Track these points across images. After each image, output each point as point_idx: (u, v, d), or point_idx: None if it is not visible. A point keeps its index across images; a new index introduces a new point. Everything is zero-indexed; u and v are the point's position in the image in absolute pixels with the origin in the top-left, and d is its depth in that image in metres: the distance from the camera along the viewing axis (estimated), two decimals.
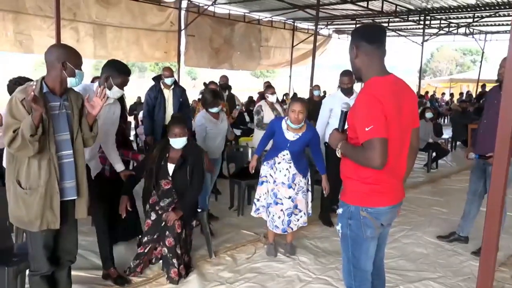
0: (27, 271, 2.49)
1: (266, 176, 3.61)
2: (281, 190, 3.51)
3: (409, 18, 13.59)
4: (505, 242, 3.81)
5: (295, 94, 14.14)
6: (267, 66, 17.23)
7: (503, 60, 3.51)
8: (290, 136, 3.45)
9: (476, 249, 3.80)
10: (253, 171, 3.72)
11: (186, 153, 3.30)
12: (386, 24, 14.80)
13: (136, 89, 13.78)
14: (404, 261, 3.59)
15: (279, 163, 3.53)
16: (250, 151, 5.24)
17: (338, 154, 2.12)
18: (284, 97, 13.37)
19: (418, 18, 13.65)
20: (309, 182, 3.67)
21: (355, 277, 2.19)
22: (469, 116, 8.99)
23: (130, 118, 9.49)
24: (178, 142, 3.25)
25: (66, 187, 2.30)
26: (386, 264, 3.45)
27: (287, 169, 3.51)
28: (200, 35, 13.11)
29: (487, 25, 15.11)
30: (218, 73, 18.07)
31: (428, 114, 7.17)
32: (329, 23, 15.98)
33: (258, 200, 3.69)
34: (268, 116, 5.44)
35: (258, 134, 5.50)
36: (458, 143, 9.54)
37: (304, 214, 3.58)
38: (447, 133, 9.52)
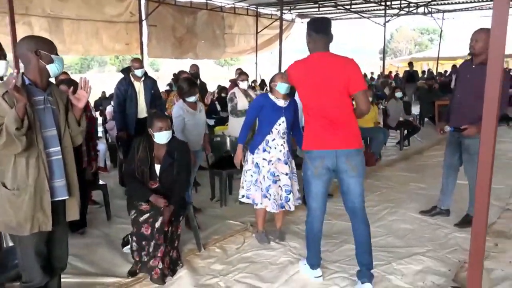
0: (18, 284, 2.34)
1: (259, 163, 3.49)
2: (278, 166, 3.45)
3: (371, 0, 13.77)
4: None
5: (262, 80, 14.09)
6: (232, 54, 17.04)
7: (474, 33, 3.58)
8: (282, 103, 3.44)
9: (458, 221, 3.92)
10: (240, 163, 3.63)
11: (171, 149, 3.18)
12: (348, 6, 14.94)
13: (98, 83, 13.31)
14: (392, 238, 3.65)
15: (273, 140, 3.46)
16: (228, 140, 5.15)
17: None
18: (252, 84, 13.27)
19: None
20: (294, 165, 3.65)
21: (307, 209, 2.97)
22: (435, 93, 9.24)
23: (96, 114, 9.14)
24: (163, 136, 3.11)
25: (56, 186, 2.15)
26: (376, 242, 3.52)
27: (281, 144, 3.46)
28: (162, 25, 12.76)
29: (445, 3, 15.53)
30: (182, 63, 17.80)
31: (398, 94, 7.31)
32: (292, 7, 15.94)
33: (247, 188, 3.58)
34: (241, 103, 5.36)
35: (233, 122, 5.43)
36: (425, 119, 9.80)
37: (294, 196, 3.55)
38: (414, 110, 9.76)
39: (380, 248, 3.38)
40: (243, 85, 5.45)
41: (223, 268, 3.18)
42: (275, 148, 3.47)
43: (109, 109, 7.72)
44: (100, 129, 7.85)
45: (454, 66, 14.10)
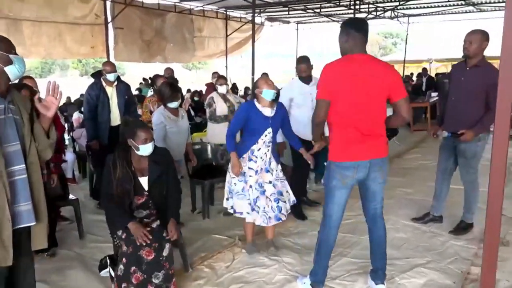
0: None
1: (245, 172, 3.29)
2: (263, 176, 3.30)
3: (340, 3, 13.82)
4: (478, 217, 3.83)
5: (234, 84, 13.84)
6: (202, 58, 16.73)
7: (468, 35, 3.47)
8: (268, 112, 3.23)
9: (453, 227, 3.80)
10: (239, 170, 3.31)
11: (156, 158, 2.86)
12: (318, 10, 14.94)
13: (61, 89, 12.63)
14: (389, 249, 3.40)
15: (258, 149, 3.27)
16: (208, 147, 4.86)
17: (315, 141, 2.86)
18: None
19: (348, 2, 13.91)
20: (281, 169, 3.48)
21: (323, 216, 2.75)
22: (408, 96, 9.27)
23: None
24: (148, 148, 2.76)
25: (20, 211, 1.82)
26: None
27: (265, 153, 3.30)
28: (129, 28, 12.27)
29: (410, 8, 15.83)
30: (149, 67, 17.27)
31: None
32: (261, 10, 15.79)
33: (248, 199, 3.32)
34: (220, 108, 5.10)
35: (213, 128, 5.16)
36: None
37: (286, 202, 3.40)
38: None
39: None
40: (222, 89, 5.19)
41: None
42: (261, 158, 3.31)
43: (75, 115, 7.25)
44: (66, 136, 7.37)
45: (424, 69, 14.31)
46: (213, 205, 4.61)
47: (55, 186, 3.68)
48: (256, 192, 3.28)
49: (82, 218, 3.94)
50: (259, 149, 3.28)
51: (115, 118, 4.69)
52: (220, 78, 5.27)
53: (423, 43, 21.97)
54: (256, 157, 3.28)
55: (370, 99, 2.48)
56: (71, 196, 3.99)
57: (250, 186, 3.28)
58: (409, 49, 19.93)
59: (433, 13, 16.71)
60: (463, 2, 14.28)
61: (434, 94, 10.03)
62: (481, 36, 3.42)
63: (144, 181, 2.84)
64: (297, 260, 3.30)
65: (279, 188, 3.38)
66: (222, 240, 3.74)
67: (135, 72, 15.31)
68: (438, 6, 15.02)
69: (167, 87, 3.78)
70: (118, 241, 2.79)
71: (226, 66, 15.91)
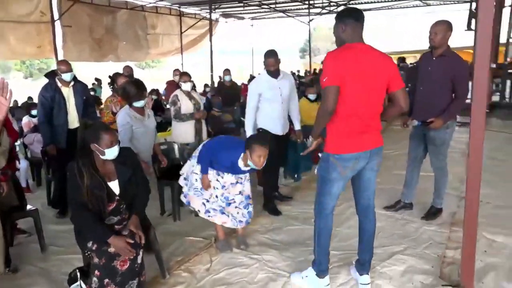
0: None
1: (211, 181, 3.29)
2: (231, 191, 3.31)
3: None
4: (446, 202, 3.95)
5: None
6: (156, 55, 16.34)
7: (433, 26, 3.54)
8: (245, 168, 3.21)
9: (424, 213, 3.89)
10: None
11: (123, 159, 2.68)
12: (273, 5, 14.99)
13: None
14: None
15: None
16: (175, 147, 4.70)
17: (314, 137, 2.63)
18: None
19: None
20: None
21: (317, 206, 2.72)
22: None
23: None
24: (114, 151, 2.56)
25: None
26: (351, 245, 3.36)
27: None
28: (78, 26, 11.76)
29: (362, 3, 16.24)
30: (99, 67, 16.59)
31: None
32: (216, 7, 15.62)
33: (207, 201, 3.28)
34: (185, 106, 4.93)
35: (178, 127, 4.98)
36: None
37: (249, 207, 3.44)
38: None
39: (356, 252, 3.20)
40: (186, 86, 5.00)
41: None
42: (228, 173, 3.31)
43: (25, 120, 6.78)
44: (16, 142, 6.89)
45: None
46: (183, 206, 4.46)
47: (9, 196, 3.40)
48: (222, 203, 3.33)
49: (43, 230, 3.67)
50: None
51: (73, 120, 4.41)
52: (184, 75, 5.08)
53: (374, 38, 22.64)
54: (224, 174, 3.30)
55: (373, 88, 2.45)
56: (29, 207, 3.71)
57: (216, 196, 3.31)
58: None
59: (383, 8, 17.26)
60: None
61: None
62: (446, 27, 3.51)
63: (114, 185, 2.64)
64: (277, 257, 3.24)
65: (248, 192, 3.42)
66: (197, 242, 3.61)
67: (84, 73, 14.63)
68: (388, 1, 15.53)
69: (132, 86, 3.59)
70: (88, 253, 2.60)
71: (182, 64, 15.61)
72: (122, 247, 2.42)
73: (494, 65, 9.48)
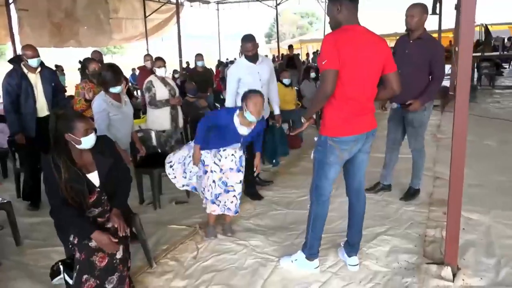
0: None
1: (208, 165, 3.22)
2: (230, 176, 3.24)
3: None
4: (423, 182, 4.08)
5: None
6: (120, 41, 15.79)
7: (409, 9, 3.60)
8: (244, 130, 3.13)
9: (402, 194, 4.01)
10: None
11: (101, 148, 2.57)
12: None
13: None
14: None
15: (224, 150, 3.22)
16: (153, 134, 4.58)
17: (306, 118, 2.67)
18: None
19: None
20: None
21: (315, 191, 2.73)
22: None
23: None
24: (91, 140, 2.43)
25: None
26: (335, 228, 3.43)
27: (232, 154, 3.24)
28: (35, 9, 11.17)
29: None
30: (58, 53, 15.86)
31: (312, 74, 7.36)
32: None
33: (208, 191, 3.27)
34: (160, 92, 4.82)
35: (153, 114, 4.88)
36: None
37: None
38: None
39: (342, 234, 3.25)
40: (161, 71, 4.89)
41: (186, 284, 2.75)
42: (226, 158, 3.25)
43: None
44: None
45: None
46: (162, 194, 4.39)
47: None
48: (219, 189, 3.26)
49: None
50: (225, 150, 3.24)
51: (42, 107, 4.22)
52: (158, 60, 4.96)
53: None
54: (221, 156, 3.24)
55: (370, 71, 2.45)
56: (0, 199, 3.53)
57: (214, 182, 3.24)
58: (327, 28, 20.62)
59: None
60: None
61: None
62: (421, 9, 3.58)
63: (93, 177, 2.53)
64: (264, 242, 3.25)
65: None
66: (181, 230, 3.56)
67: (47, 59, 13.99)
68: None
69: (108, 70, 3.45)
70: (72, 246, 2.51)
71: (147, 49, 15.18)
72: (105, 243, 2.33)
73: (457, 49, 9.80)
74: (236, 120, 3.08)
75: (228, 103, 4.11)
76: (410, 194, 3.95)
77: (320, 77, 2.43)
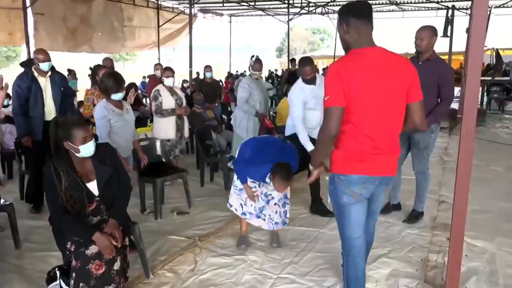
0: None
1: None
2: (267, 187, 3.28)
3: None
4: (426, 205, 4.03)
5: None
6: (132, 48, 15.97)
7: (419, 32, 3.60)
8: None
9: (406, 216, 3.95)
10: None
11: (101, 156, 2.56)
12: (253, 3, 14.93)
13: None
14: None
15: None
16: (157, 143, 4.59)
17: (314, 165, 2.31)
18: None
19: None
20: None
21: (343, 243, 2.39)
22: None
23: None
24: (90, 148, 2.43)
25: None
26: (336, 247, 3.36)
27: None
28: (51, 14, 11.33)
29: (340, 5, 16.43)
30: (71, 58, 16.05)
31: None
32: (195, 1, 15.41)
33: (245, 204, 3.33)
34: (167, 101, 4.87)
35: (159, 123, 4.93)
36: None
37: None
38: None
39: None
40: (169, 81, 4.95)
41: None
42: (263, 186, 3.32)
43: None
44: None
45: None
46: (164, 204, 4.37)
47: None
48: (262, 202, 3.29)
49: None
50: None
51: (50, 112, 4.25)
52: (167, 70, 5.00)
53: None
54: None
55: (388, 103, 2.07)
56: (2, 201, 3.54)
57: (257, 195, 3.29)
58: (339, 45, 20.70)
59: None
60: (387, 1, 15.11)
61: None
62: (431, 32, 3.58)
63: (92, 186, 2.51)
64: (263, 258, 3.21)
65: (287, 190, 3.38)
66: (180, 241, 3.53)
67: (59, 63, 14.16)
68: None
69: (110, 78, 3.48)
70: (69, 253, 2.49)
71: (159, 58, 15.31)
72: (106, 245, 2.33)
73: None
74: (268, 179, 3.13)
75: (300, 129, 3.82)
76: (414, 216, 3.90)
77: (323, 115, 2.09)
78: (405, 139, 3.82)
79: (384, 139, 2.12)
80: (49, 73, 4.21)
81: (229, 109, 8.53)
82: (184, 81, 11.63)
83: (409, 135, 3.76)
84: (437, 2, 14.25)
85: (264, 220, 3.27)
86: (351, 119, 2.06)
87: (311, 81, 3.83)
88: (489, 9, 9.73)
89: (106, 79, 3.58)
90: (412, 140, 3.74)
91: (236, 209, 3.34)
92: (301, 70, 3.87)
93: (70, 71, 12.99)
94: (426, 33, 3.56)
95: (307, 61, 3.88)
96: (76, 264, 2.30)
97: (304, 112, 3.82)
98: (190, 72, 10.29)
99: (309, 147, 3.74)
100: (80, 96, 7.71)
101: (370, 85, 2.01)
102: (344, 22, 2.11)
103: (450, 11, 10.97)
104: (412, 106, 2.15)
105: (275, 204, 3.29)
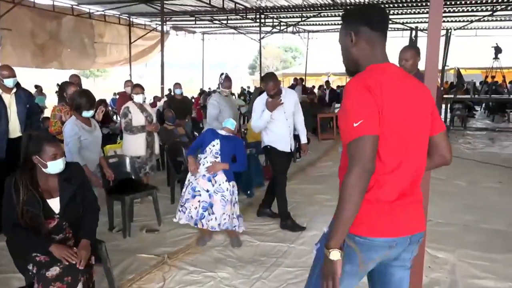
0: None
1: (189, 180, 3.71)
2: (200, 182, 3.60)
3: (247, 16, 14.17)
4: None
5: None
6: (103, 65, 15.83)
7: (402, 52, 3.66)
8: (222, 132, 3.79)
9: None
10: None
11: (68, 175, 2.54)
12: (225, 21, 15.13)
13: None
14: None
15: (205, 157, 3.71)
16: (127, 160, 4.54)
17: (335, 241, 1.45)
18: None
19: (254, 16, 14.33)
20: (234, 194, 3.71)
21: None
22: (316, 107, 9.79)
23: None
24: (59, 165, 2.44)
25: None
26: (305, 262, 3.40)
27: (211, 162, 3.62)
28: (19, 29, 11.18)
29: (310, 24, 16.87)
30: (38, 75, 15.72)
31: None
32: (167, 19, 15.49)
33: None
34: (136, 118, 4.86)
35: (129, 140, 4.89)
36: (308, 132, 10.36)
37: (216, 220, 3.56)
38: None
39: None
40: (138, 98, 4.93)
41: None
42: (203, 165, 3.69)
43: None
44: None
45: (327, 82, 15.25)
46: (133, 222, 4.31)
47: None
48: (187, 195, 3.68)
49: None
50: (205, 157, 3.72)
51: (14, 129, 4.15)
52: (136, 87, 4.99)
53: (321, 58, 23.50)
54: (201, 164, 3.71)
55: (418, 130, 1.58)
56: None
57: (185, 190, 3.74)
58: (309, 62, 21.18)
59: (330, 30, 18.02)
60: None
61: (337, 105, 10.74)
62: (415, 53, 3.65)
63: (54, 203, 2.49)
64: (232, 274, 3.21)
65: (213, 201, 3.59)
66: (149, 259, 3.49)
67: (25, 79, 13.91)
68: (335, 24, 16.26)
69: (82, 96, 3.48)
70: (31, 273, 2.43)
71: (130, 75, 15.24)
72: (62, 253, 2.30)
73: None
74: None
75: (256, 120, 4.19)
76: None
77: (348, 149, 1.47)
78: None
79: (411, 181, 1.58)
80: (14, 90, 4.13)
81: (201, 125, 8.54)
82: (155, 97, 11.60)
83: None
84: (402, 24, 14.87)
85: (184, 213, 3.62)
86: (385, 153, 1.50)
87: (275, 95, 4.02)
88: (450, 30, 10.22)
89: (79, 97, 3.60)
90: None
91: (179, 218, 3.68)
92: (264, 86, 4.10)
93: (37, 87, 12.74)
94: (411, 54, 3.62)
95: (269, 77, 4.08)
96: (38, 287, 2.24)
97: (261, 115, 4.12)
98: (162, 89, 10.27)
99: (266, 115, 4.03)
100: (47, 112, 7.56)
101: (401, 110, 1.51)
102: (351, 31, 1.61)
103: (413, 32, 11.46)
104: (437, 138, 1.68)
105: (198, 201, 3.58)
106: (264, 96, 4.20)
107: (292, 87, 13.62)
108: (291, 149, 4.29)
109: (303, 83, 15.76)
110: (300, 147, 4.73)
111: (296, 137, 4.55)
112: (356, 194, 1.40)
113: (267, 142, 4.23)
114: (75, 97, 3.56)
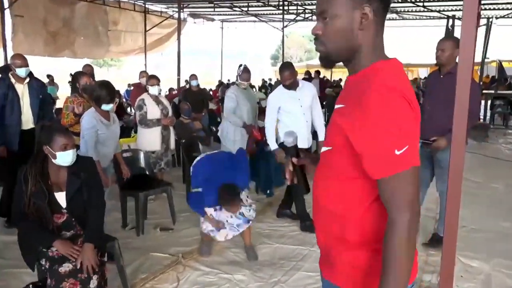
0: None
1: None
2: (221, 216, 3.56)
3: (269, 3, 14.16)
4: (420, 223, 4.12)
5: None
6: (117, 54, 16.06)
7: (440, 43, 3.59)
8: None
9: (427, 240, 3.90)
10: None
11: (77, 169, 2.62)
12: (245, 8, 15.16)
13: None
14: None
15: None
16: (141, 155, 4.65)
17: None
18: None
19: (277, 3, 14.31)
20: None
21: None
22: None
23: None
24: (68, 156, 2.52)
25: None
26: None
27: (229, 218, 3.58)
28: (31, 16, 11.42)
29: None
30: (50, 63, 16.07)
31: None
32: (184, 5, 15.61)
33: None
34: (151, 111, 4.95)
35: (144, 133, 5.00)
36: None
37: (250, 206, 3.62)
38: None
39: None
40: (154, 90, 5.03)
41: None
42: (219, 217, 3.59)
43: None
44: None
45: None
46: (146, 219, 4.42)
47: None
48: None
49: None
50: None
51: (27, 120, 4.31)
52: (152, 78, 5.09)
53: None
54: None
55: None
56: None
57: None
58: None
59: None
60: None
61: None
62: (453, 44, 3.54)
63: (60, 196, 2.59)
64: (249, 277, 3.27)
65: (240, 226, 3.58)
66: (163, 258, 3.58)
67: (37, 68, 14.25)
68: None
69: (103, 88, 3.58)
70: (43, 268, 2.54)
71: (145, 64, 15.43)
72: (66, 249, 2.40)
73: None
74: None
75: (268, 129, 4.17)
76: (435, 240, 3.79)
77: (384, 186, 1.16)
78: (428, 160, 3.78)
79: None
80: (27, 80, 4.28)
81: (218, 119, 8.62)
82: (171, 89, 11.76)
83: (431, 154, 3.76)
84: (438, 11, 14.59)
85: (226, 228, 3.48)
86: None
87: (290, 86, 4.04)
88: (491, 19, 10.00)
89: (100, 88, 3.65)
90: (435, 159, 3.73)
91: (205, 228, 3.55)
92: (280, 75, 4.10)
93: (49, 76, 13.06)
94: (448, 44, 3.55)
95: (286, 66, 4.10)
96: (50, 282, 2.35)
97: (276, 116, 4.17)
98: (178, 80, 10.39)
99: (273, 145, 4.15)
100: (59, 103, 7.77)
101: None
102: (368, 4, 1.19)
103: (451, 20, 11.25)
104: None
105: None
106: (279, 89, 4.21)
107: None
108: (309, 146, 4.29)
109: (322, 77, 15.46)
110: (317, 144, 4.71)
111: (314, 134, 4.51)
112: (413, 249, 1.13)
113: (281, 138, 4.25)
114: (95, 88, 3.65)
